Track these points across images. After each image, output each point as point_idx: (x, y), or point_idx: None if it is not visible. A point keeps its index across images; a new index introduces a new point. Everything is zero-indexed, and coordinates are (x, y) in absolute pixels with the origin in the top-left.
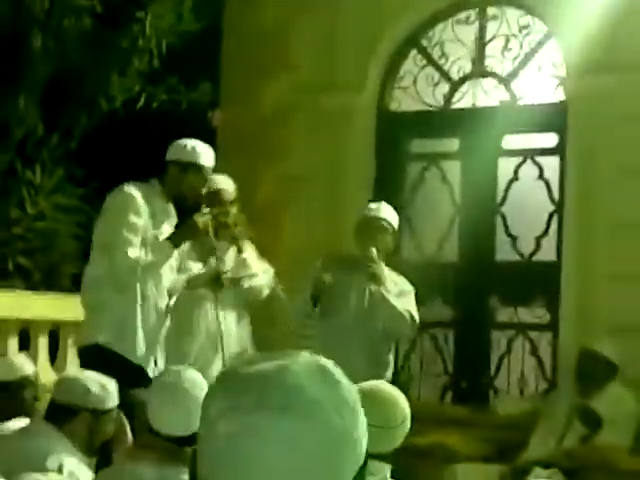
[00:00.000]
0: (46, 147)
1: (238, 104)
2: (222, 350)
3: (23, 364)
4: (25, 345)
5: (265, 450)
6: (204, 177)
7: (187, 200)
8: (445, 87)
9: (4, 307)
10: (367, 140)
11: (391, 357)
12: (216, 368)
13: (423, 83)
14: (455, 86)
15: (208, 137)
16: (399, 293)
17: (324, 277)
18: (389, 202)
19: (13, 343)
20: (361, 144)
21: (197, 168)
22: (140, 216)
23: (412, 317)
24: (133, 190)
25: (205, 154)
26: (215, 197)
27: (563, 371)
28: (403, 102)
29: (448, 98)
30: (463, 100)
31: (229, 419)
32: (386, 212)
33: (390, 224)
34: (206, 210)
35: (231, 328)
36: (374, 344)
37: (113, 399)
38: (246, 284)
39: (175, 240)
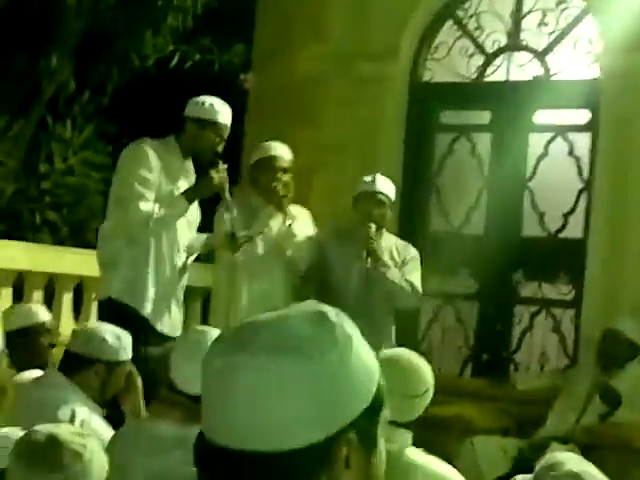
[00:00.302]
0: (77, 103)
1: (270, 68)
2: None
3: (39, 311)
4: (50, 300)
5: (248, 384)
6: (221, 134)
7: (204, 157)
8: (479, 59)
9: (31, 261)
10: (398, 110)
11: (393, 328)
12: None
13: (457, 54)
14: (489, 59)
15: (239, 100)
16: (403, 261)
17: (327, 245)
18: (418, 172)
19: (38, 296)
20: (392, 114)
21: (214, 125)
22: (152, 171)
23: (413, 287)
24: (145, 146)
25: (223, 112)
26: (268, 163)
27: (584, 348)
28: (436, 73)
29: (482, 71)
30: (496, 73)
31: (219, 356)
32: (382, 185)
33: (387, 197)
34: (223, 166)
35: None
36: (375, 315)
37: (127, 351)
38: (288, 252)
39: (189, 195)
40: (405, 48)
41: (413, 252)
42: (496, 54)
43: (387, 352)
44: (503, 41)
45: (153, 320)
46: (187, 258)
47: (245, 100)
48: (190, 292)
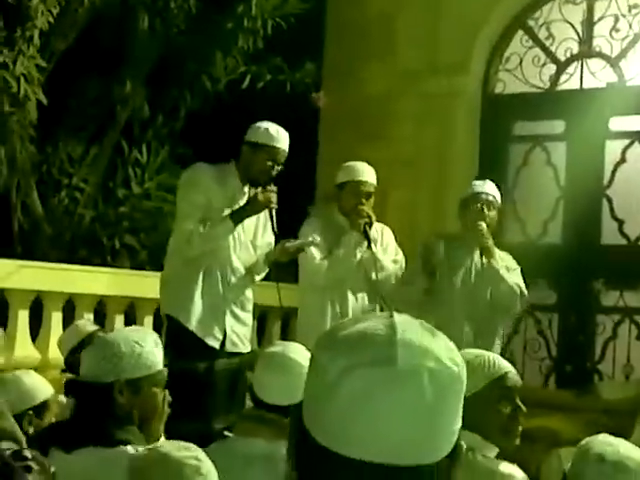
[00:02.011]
0: (151, 127)
1: (342, 86)
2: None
3: (86, 324)
4: (131, 324)
5: (390, 402)
6: (274, 158)
7: (259, 180)
8: (552, 68)
9: (111, 285)
10: (471, 123)
11: (500, 330)
12: None
13: (529, 64)
14: (561, 67)
15: (311, 118)
16: (507, 269)
17: (438, 249)
18: (494, 184)
19: (119, 321)
20: (465, 127)
21: (267, 149)
22: (202, 193)
23: (522, 291)
24: (197, 170)
25: (276, 136)
26: (355, 187)
27: None
28: (508, 84)
29: (554, 80)
30: (569, 81)
31: (352, 377)
32: (491, 188)
33: (496, 199)
34: (271, 188)
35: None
36: (481, 318)
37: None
38: (374, 276)
39: (236, 215)
40: (476, 61)
41: (515, 263)
42: (568, 62)
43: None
44: (575, 49)
45: (202, 335)
46: (248, 276)
47: (317, 118)
48: (270, 312)
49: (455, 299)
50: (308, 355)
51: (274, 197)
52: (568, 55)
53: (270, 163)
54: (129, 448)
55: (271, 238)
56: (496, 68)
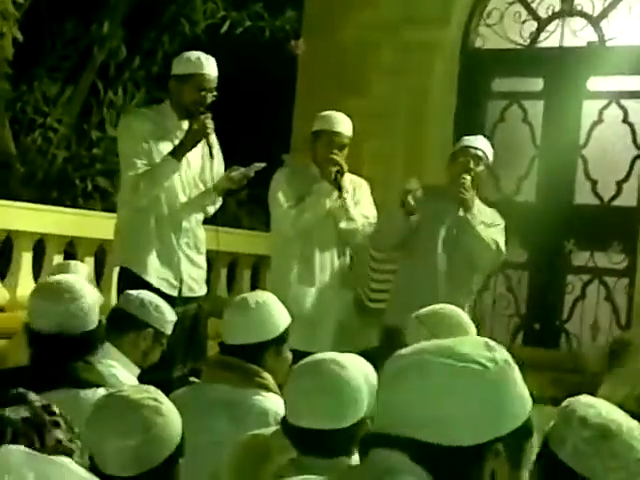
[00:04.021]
0: (128, 69)
1: (320, 35)
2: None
3: (78, 269)
4: (100, 266)
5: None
6: (203, 86)
7: (193, 112)
8: (532, 25)
9: (82, 227)
10: (450, 77)
11: (474, 288)
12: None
13: (510, 20)
14: (542, 25)
15: (289, 66)
16: (490, 224)
17: (415, 191)
18: None
19: (89, 262)
20: (443, 80)
21: (193, 79)
22: (140, 139)
23: (498, 247)
24: (135, 114)
25: (199, 63)
26: (329, 137)
27: (638, 318)
28: (488, 39)
29: (534, 37)
30: (550, 39)
31: (401, 359)
32: (482, 143)
33: (485, 155)
34: (204, 115)
35: (325, 263)
36: (458, 271)
37: (170, 328)
38: (341, 224)
39: (177, 152)
40: (456, 14)
41: (500, 219)
42: (549, 20)
43: (434, 305)
44: (557, 6)
45: (159, 284)
46: (204, 207)
47: (295, 66)
48: (241, 259)
49: (437, 248)
50: (272, 297)
51: (210, 123)
52: (549, 13)
53: (201, 92)
54: (100, 390)
55: (221, 168)
56: (476, 22)
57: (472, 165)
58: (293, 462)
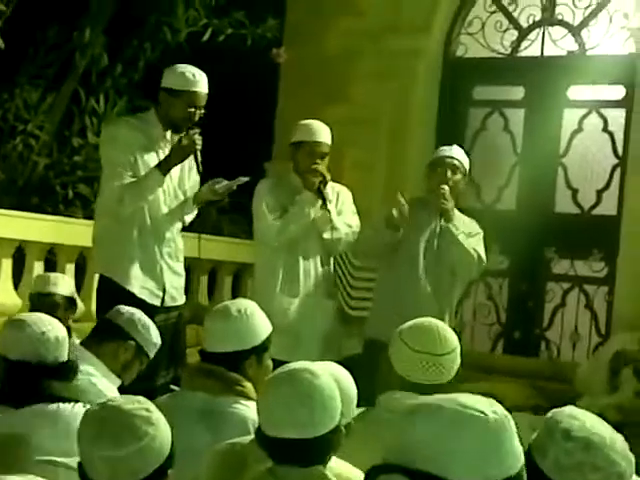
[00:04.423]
0: (110, 77)
1: (302, 43)
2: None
3: (58, 282)
4: (81, 273)
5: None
6: (194, 103)
7: (181, 126)
8: (513, 34)
9: (62, 234)
10: (431, 85)
11: (455, 297)
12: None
13: (491, 29)
14: (523, 34)
15: (272, 74)
16: (468, 234)
17: (401, 207)
18: None
19: (69, 270)
20: (425, 89)
21: (185, 95)
22: (125, 149)
23: (479, 257)
24: (116, 125)
25: (194, 80)
26: (310, 148)
27: (617, 326)
28: (470, 48)
29: (516, 46)
30: (531, 48)
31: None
32: (457, 152)
33: (462, 164)
34: (193, 131)
35: (309, 272)
36: (441, 280)
37: (153, 350)
38: (326, 235)
39: (163, 165)
40: (439, 22)
41: (478, 228)
42: (530, 29)
43: (415, 320)
44: (538, 16)
45: (142, 294)
46: (182, 217)
47: (277, 74)
48: (222, 267)
49: (419, 258)
50: (254, 306)
51: (198, 139)
52: (530, 22)
53: (191, 109)
54: (72, 406)
55: (197, 177)
56: (458, 31)
57: (450, 175)
58: (269, 471)
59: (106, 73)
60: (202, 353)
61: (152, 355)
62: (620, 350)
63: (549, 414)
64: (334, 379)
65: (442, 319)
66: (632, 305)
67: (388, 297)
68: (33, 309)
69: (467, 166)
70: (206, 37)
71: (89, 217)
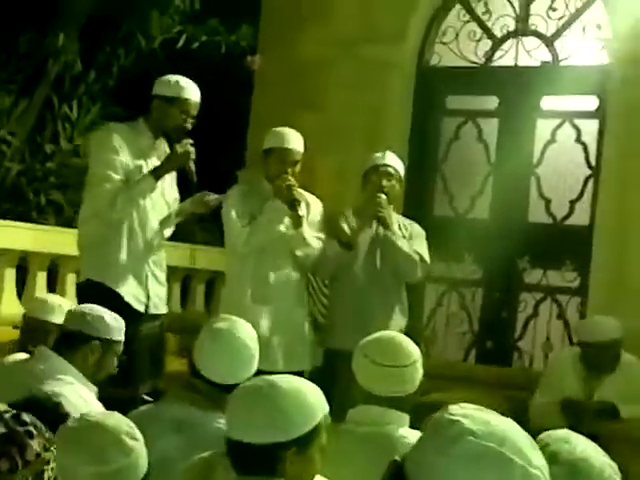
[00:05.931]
0: (83, 83)
1: (277, 50)
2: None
3: (55, 310)
4: (54, 281)
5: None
6: (187, 111)
7: (173, 134)
8: (487, 44)
9: (35, 241)
10: (405, 94)
11: (405, 305)
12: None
13: (465, 39)
14: (497, 44)
15: (245, 81)
16: (409, 236)
17: (343, 218)
18: (424, 157)
19: (41, 277)
20: (398, 98)
21: (179, 102)
22: (117, 153)
23: (422, 258)
24: (108, 130)
25: (188, 88)
26: (280, 155)
27: None
28: (443, 57)
29: (489, 55)
30: (504, 58)
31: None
32: (391, 159)
33: (396, 170)
34: (187, 141)
35: (280, 280)
36: (385, 287)
37: (122, 333)
38: (298, 252)
39: (156, 172)
40: (412, 32)
41: (418, 228)
42: (504, 39)
43: (376, 333)
44: (511, 26)
45: (129, 299)
46: (163, 230)
47: (251, 82)
48: (196, 274)
49: (359, 268)
50: (254, 334)
51: (192, 149)
52: (504, 32)
53: (184, 116)
54: None
55: (176, 194)
56: (432, 40)
57: (385, 182)
58: None
59: (79, 79)
60: (194, 371)
61: (118, 337)
62: None
63: (541, 435)
64: (299, 391)
65: (394, 319)
66: (604, 315)
67: (339, 308)
68: (27, 330)
69: (402, 171)
70: (180, 44)
71: (62, 224)
